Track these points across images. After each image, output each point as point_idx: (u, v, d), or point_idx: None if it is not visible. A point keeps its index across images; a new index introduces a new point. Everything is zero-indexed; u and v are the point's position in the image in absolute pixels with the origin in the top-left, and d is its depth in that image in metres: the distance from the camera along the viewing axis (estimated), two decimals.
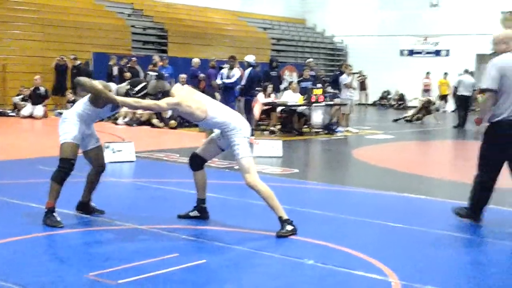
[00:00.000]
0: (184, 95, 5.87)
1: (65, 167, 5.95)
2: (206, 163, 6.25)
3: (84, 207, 6.39)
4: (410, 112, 22.78)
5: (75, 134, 5.97)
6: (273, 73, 18.08)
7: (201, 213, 6.28)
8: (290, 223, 5.83)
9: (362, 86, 30.32)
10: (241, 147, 5.85)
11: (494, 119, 6.25)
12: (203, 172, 6.22)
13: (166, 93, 5.87)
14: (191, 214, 6.27)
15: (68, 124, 5.99)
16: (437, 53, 32.17)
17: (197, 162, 6.19)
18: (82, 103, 6.10)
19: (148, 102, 5.85)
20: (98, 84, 5.91)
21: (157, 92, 5.89)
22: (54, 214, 5.86)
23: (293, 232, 5.80)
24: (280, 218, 5.82)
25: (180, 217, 6.27)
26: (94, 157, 6.30)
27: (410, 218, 6.90)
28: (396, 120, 22.17)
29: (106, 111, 6.18)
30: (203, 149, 6.21)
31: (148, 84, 5.99)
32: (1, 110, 19.00)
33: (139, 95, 5.92)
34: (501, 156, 6.31)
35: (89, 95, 6.05)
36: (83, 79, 6.00)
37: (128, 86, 6.01)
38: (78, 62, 20.08)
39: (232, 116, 5.97)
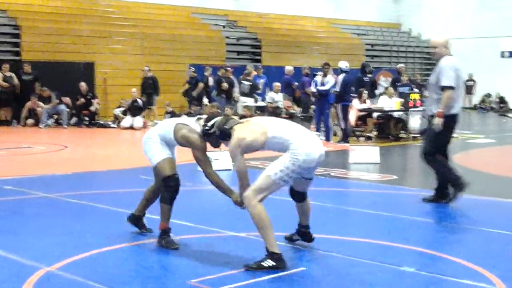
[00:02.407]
0: (239, 133, 5.15)
1: (170, 185, 5.68)
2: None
3: (136, 220, 6.13)
4: None
5: (163, 150, 5.74)
6: (366, 79, 17.86)
7: (304, 236, 5.73)
8: (276, 259, 4.92)
9: (468, 90, 29.66)
10: (276, 164, 5.05)
11: (449, 112, 7.43)
12: (307, 202, 5.59)
13: (227, 133, 5.23)
14: (294, 237, 5.78)
15: (153, 144, 5.75)
16: None
17: (298, 195, 5.55)
18: (168, 130, 5.70)
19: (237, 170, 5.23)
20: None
21: (221, 128, 5.25)
22: (169, 234, 5.66)
23: (273, 268, 4.87)
24: (266, 248, 4.98)
25: (286, 238, 5.78)
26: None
27: None
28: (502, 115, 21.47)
29: None
30: (294, 182, 5.39)
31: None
32: (103, 122, 19.69)
33: (211, 131, 5.34)
34: (448, 142, 7.73)
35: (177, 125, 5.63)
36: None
37: (203, 122, 5.48)
38: (150, 73, 20.42)
39: (296, 133, 5.11)
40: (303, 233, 5.70)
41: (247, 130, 5.13)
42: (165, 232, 5.66)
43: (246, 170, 5.17)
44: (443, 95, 7.40)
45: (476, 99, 31.67)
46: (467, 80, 30.38)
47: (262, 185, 5.01)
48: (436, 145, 7.62)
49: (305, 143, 5.03)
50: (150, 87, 20.13)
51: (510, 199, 7.98)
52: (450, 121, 7.53)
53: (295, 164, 4.98)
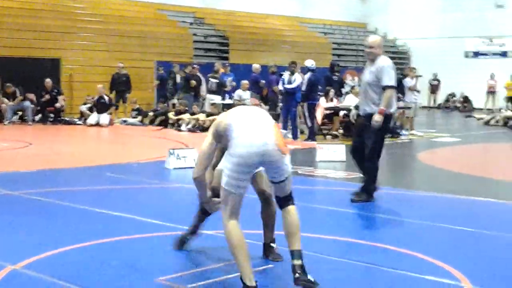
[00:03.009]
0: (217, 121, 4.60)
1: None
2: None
3: (265, 249, 5.21)
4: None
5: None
6: (335, 77, 17.98)
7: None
8: None
9: (433, 90, 30.07)
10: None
11: (388, 111, 7.53)
12: (289, 212, 4.52)
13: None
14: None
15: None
16: (504, 54, 31.35)
17: (279, 201, 4.71)
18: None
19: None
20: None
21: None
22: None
23: None
24: (241, 277, 4.30)
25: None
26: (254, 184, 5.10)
27: (478, 221, 6.75)
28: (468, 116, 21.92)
29: None
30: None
31: None
32: (69, 118, 19.50)
33: None
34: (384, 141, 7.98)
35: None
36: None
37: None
38: (124, 71, 20.42)
39: (240, 125, 4.39)
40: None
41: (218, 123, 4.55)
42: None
43: (206, 152, 4.56)
44: (385, 94, 7.47)
45: (440, 98, 32.10)
46: (432, 80, 30.84)
47: (222, 198, 4.41)
48: (378, 146, 7.73)
49: (243, 137, 4.28)
50: (123, 84, 20.04)
51: (471, 197, 8.11)
52: (388, 119, 7.70)
53: (233, 163, 4.29)
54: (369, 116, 7.55)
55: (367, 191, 7.69)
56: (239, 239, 4.27)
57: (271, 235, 5.15)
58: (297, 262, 4.34)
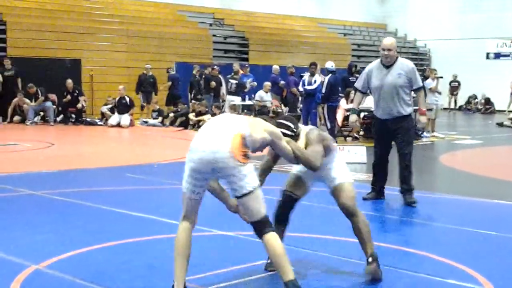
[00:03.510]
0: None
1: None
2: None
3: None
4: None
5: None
6: (353, 79, 17.89)
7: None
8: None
9: (453, 91, 29.85)
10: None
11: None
12: (267, 239, 4.13)
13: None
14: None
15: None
16: None
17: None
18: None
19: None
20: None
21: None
22: None
23: None
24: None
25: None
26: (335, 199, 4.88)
27: (502, 225, 6.67)
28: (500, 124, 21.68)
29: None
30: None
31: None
32: (90, 119, 19.61)
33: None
34: None
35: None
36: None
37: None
38: (151, 72, 20.53)
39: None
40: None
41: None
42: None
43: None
44: (421, 94, 7.84)
45: (461, 100, 31.87)
46: (451, 81, 30.62)
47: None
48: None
49: (193, 143, 4.15)
50: (149, 85, 20.16)
51: (494, 200, 8.04)
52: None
53: (187, 167, 4.17)
54: (401, 118, 7.54)
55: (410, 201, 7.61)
56: (181, 244, 4.16)
57: (368, 250, 4.74)
58: None
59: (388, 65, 7.56)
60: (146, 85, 20.24)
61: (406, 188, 7.66)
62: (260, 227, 4.07)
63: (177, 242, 4.18)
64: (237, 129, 4.09)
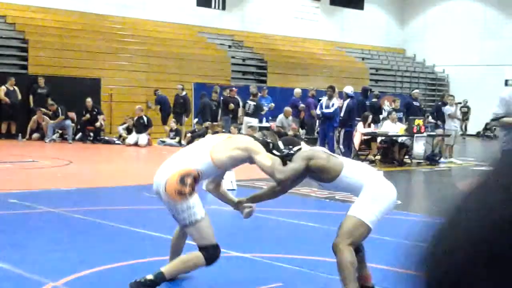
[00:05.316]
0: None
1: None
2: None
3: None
4: None
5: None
6: (368, 102, 17.90)
7: None
8: None
9: (465, 116, 29.66)
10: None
11: None
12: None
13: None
14: None
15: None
16: None
17: None
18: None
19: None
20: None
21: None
22: None
23: None
24: None
25: None
26: None
27: None
28: None
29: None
30: None
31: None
32: (108, 138, 19.75)
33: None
34: None
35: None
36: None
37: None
38: (184, 92, 20.64)
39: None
40: None
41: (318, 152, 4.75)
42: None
43: None
44: None
45: (480, 126, 31.71)
46: (462, 106, 30.44)
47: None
48: None
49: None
50: (180, 106, 20.22)
51: None
52: None
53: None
54: None
55: None
56: (171, 244, 5.02)
57: (364, 276, 4.75)
58: None
59: None
60: (177, 106, 20.33)
61: None
62: (199, 249, 4.59)
63: (171, 242, 4.97)
64: (181, 166, 4.49)
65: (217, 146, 4.58)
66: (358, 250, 4.72)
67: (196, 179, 4.48)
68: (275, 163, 4.51)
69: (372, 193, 4.49)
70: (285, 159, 4.60)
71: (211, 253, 4.52)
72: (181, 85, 20.79)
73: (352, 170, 4.56)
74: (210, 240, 4.52)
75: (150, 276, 4.48)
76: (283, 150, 4.64)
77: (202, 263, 4.50)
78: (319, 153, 4.62)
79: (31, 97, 19.35)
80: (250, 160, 4.62)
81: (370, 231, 4.48)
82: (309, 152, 4.65)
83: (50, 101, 19.10)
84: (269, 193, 4.97)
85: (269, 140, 4.71)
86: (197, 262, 4.50)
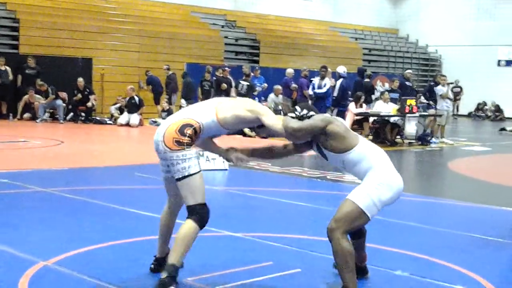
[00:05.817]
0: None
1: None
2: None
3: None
4: None
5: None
6: (367, 81, 17.91)
7: None
8: None
9: (457, 97, 29.66)
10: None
11: None
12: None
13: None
14: None
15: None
16: None
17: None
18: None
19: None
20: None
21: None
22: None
23: None
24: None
25: None
26: None
27: (510, 232, 6.66)
28: (502, 130, 21.77)
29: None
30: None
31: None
32: (99, 118, 19.68)
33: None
34: None
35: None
36: None
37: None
38: (171, 72, 20.62)
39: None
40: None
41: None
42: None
43: None
44: None
45: (471, 106, 31.79)
46: (454, 87, 30.48)
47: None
48: None
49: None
50: (167, 86, 20.34)
51: (503, 207, 8.02)
52: None
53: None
54: None
55: None
56: (160, 224, 4.76)
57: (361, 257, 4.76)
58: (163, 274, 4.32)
59: None
60: (166, 86, 20.46)
61: None
62: (188, 212, 4.40)
63: (160, 222, 4.76)
64: (184, 116, 4.41)
65: (224, 103, 4.50)
66: (361, 234, 4.71)
67: (197, 132, 4.35)
68: (286, 119, 4.48)
69: (377, 179, 4.37)
70: (302, 120, 4.52)
71: (200, 214, 4.35)
72: (167, 65, 20.71)
73: (366, 149, 4.41)
74: (201, 197, 4.37)
75: (164, 274, 4.28)
76: (301, 112, 4.57)
77: (196, 229, 4.33)
78: (339, 121, 4.51)
79: (19, 77, 19.21)
80: (256, 123, 4.52)
81: (368, 221, 4.36)
82: (329, 116, 4.60)
83: (39, 82, 18.98)
84: (276, 150, 4.76)
85: (280, 108, 4.73)
86: (192, 232, 4.32)
